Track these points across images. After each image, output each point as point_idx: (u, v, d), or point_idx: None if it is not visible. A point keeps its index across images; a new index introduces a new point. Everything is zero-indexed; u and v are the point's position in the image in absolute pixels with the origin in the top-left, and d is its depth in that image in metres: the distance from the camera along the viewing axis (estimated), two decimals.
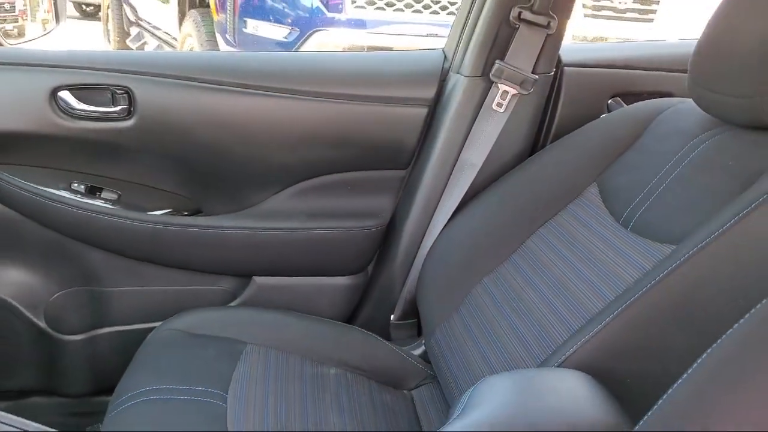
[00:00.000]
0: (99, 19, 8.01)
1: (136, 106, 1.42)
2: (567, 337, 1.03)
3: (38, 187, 1.45)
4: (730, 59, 1.05)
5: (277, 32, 4.40)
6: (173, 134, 1.46)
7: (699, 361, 0.66)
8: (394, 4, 4.44)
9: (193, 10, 4.92)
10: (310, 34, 4.35)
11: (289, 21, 4.38)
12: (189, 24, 4.89)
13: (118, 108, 1.42)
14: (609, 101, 1.55)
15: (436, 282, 1.44)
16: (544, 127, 1.55)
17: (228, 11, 4.42)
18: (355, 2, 4.37)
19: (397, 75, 1.54)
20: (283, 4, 4.39)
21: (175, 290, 1.58)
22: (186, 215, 1.56)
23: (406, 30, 4.41)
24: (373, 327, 1.56)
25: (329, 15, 4.34)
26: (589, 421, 0.77)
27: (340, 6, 4.37)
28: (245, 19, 4.39)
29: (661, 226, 1.09)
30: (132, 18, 6.76)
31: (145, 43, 6.33)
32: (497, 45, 1.44)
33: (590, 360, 0.94)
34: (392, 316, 1.59)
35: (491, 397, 0.84)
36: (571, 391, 0.84)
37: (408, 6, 4.43)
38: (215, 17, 4.55)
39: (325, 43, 4.38)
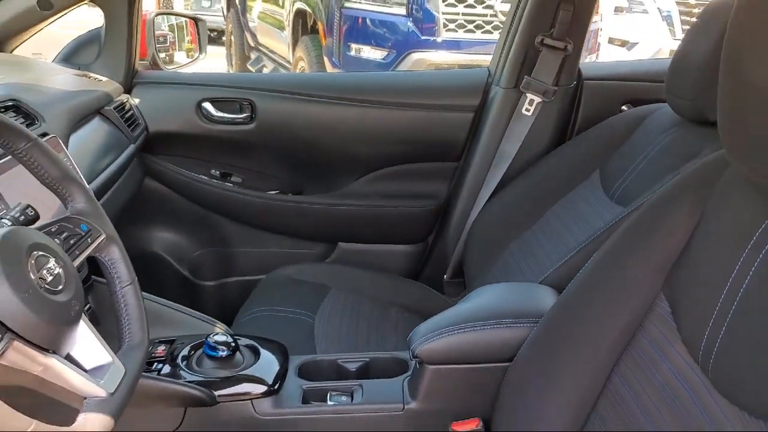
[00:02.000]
0: (222, 44, 8.86)
1: (257, 114, 1.95)
2: (550, 267, 1.44)
3: (187, 171, 2.01)
4: (686, 72, 1.44)
5: (377, 54, 4.94)
6: (283, 135, 1.99)
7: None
8: (483, 27, 4.87)
9: (304, 36, 5.55)
10: (406, 55, 4.85)
11: (388, 44, 4.90)
12: (301, 48, 5.52)
13: (243, 115, 1.96)
14: (622, 107, 1.93)
15: (477, 249, 1.87)
16: (569, 127, 1.95)
17: (334, 37, 4.99)
18: (447, 26, 4.84)
19: (451, 88, 2.00)
20: (383, 29, 4.92)
21: (281, 252, 2.09)
22: (291, 195, 2.08)
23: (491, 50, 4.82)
24: (430, 284, 2.00)
25: (423, 37, 4.83)
26: (529, 311, 1.18)
27: (434, 29, 4.85)
28: (349, 43, 4.95)
29: (630, 195, 1.48)
30: (252, 43, 7.51)
31: (263, 66, 7.00)
32: (526, 64, 1.87)
33: (559, 279, 1.35)
34: (445, 276, 2.03)
35: (474, 295, 1.28)
36: (532, 294, 1.26)
37: (495, 28, 4.85)
38: (323, 42, 5.14)
39: (419, 62, 4.87)
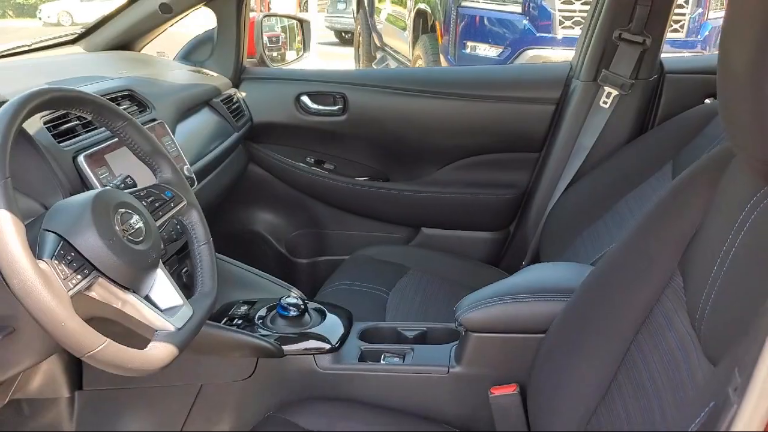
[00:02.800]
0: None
1: (348, 106, 2.12)
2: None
3: (286, 158, 2.20)
4: None
5: (492, 51, 5.00)
6: (372, 126, 2.14)
7: None
8: None
9: (423, 35, 5.70)
10: (521, 52, 4.89)
11: (503, 42, 4.96)
12: (419, 47, 5.68)
13: (336, 107, 2.13)
14: (705, 100, 1.92)
15: (552, 236, 1.94)
16: (649, 120, 1.97)
17: (450, 35, 5.10)
18: (563, 23, 4.83)
19: (534, 81, 2.07)
20: (498, 27, 4.98)
21: (368, 234, 2.25)
22: (379, 181, 2.23)
23: None
24: (510, 272, 2.09)
25: (539, 35, 4.85)
26: (566, 288, 1.25)
27: (550, 26, 4.85)
28: (465, 41, 5.05)
29: None
30: (378, 44, 7.77)
31: (387, 65, 7.22)
32: (604, 58, 1.91)
33: None
34: (523, 263, 2.10)
35: (523, 272, 1.37)
36: (574, 272, 1.32)
37: None
38: (440, 41, 5.27)
39: (534, 59, 4.88)
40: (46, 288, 0.83)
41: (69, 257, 0.91)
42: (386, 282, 1.86)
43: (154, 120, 1.55)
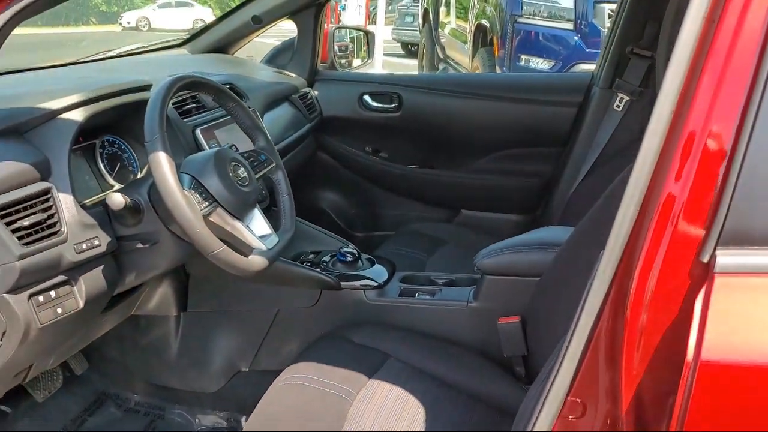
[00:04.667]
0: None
1: (403, 104, 2.53)
2: None
3: (348, 147, 2.63)
4: None
5: (545, 65, 5.35)
6: (422, 121, 2.54)
7: None
8: None
9: (481, 49, 6.08)
10: (572, 66, 5.22)
11: (556, 56, 5.30)
12: (477, 60, 6.06)
13: (392, 105, 2.54)
14: None
15: (571, 219, 2.30)
16: None
17: (506, 48, 5.47)
18: None
19: (560, 87, 2.44)
20: (552, 43, 5.33)
21: (415, 214, 2.65)
22: (426, 168, 2.63)
23: None
24: None
25: (588, 50, 5.17)
26: (561, 242, 1.61)
27: (599, 43, 5.17)
28: (519, 54, 5.41)
29: None
30: (441, 56, 8.18)
31: None
32: (619, 68, 2.27)
33: None
34: None
35: (532, 232, 1.74)
36: (567, 232, 1.69)
37: None
38: (496, 54, 5.64)
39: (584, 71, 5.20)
40: (188, 206, 1.26)
41: (199, 190, 1.34)
42: (426, 251, 2.24)
43: (249, 107, 1.98)
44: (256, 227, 1.47)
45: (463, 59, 6.94)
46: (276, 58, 2.64)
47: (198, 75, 1.47)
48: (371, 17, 12.24)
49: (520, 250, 1.67)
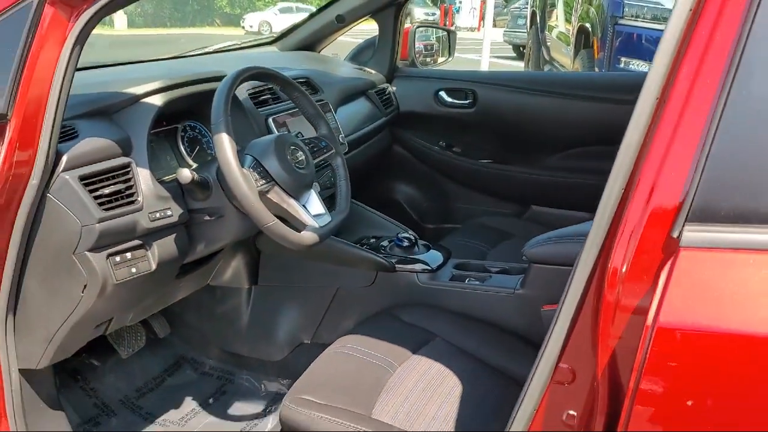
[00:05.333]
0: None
1: (477, 100, 2.61)
2: None
3: (422, 141, 2.74)
4: None
5: (645, 67, 5.23)
6: (496, 117, 2.62)
7: None
8: None
9: (582, 51, 6.02)
10: None
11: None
12: (578, 61, 6.00)
13: (467, 101, 2.63)
14: None
15: None
16: None
17: (606, 51, 5.40)
18: None
19: (633, 85, 2.44)
20: (653, 45, 5.20)
21: (485, 209, 2.72)
22: (498, 164, 2.70)
23: None
24: None
25: None
26: None
27: None
28: (619, 57, 5.32)
29: None
30: (546, 57, 8.13)
31: None
32: None
33: None
34: None
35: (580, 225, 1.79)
36: None
37: None
38: (596, 56, 5.57)
39: None
40: (245, 182, 1.41)
41: (259, 170, 1.49)
42: (491, 242, 2.31)
43: (321, 100, 2.14)
44: (312, 206, 1.61)
45: (566, 61, 6.87)
46: (358, 55, 2.78)
47: (264, 67, 1.62)
48: (485, 19, 12.28)
49: (564, 241, 1.72)
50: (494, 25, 16.83)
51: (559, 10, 7.53)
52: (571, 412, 1.02)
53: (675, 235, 0.85)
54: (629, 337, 0.87)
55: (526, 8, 12.51)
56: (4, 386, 1.44)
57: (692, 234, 0.84)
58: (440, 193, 2.82)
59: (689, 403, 0.82)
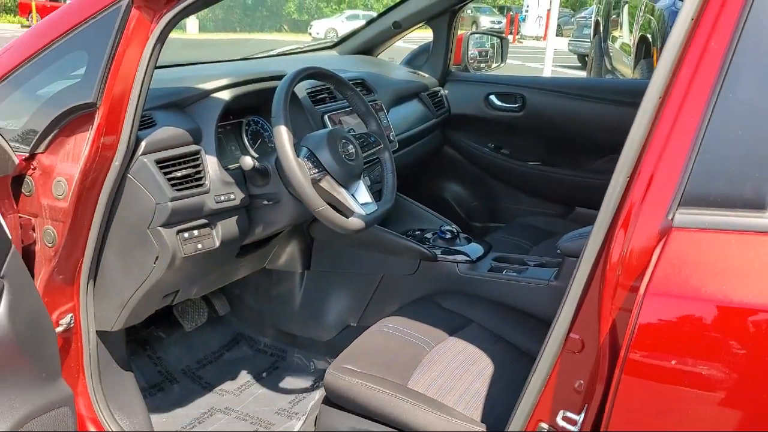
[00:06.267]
0: None
1: (526, 104, 2.72)
2: None
3: (472, 143, 2.86)
4: None
5: None
6: (543, 121, 2.72)
7: None
8: None
9: (642, 60, 6.01)
10: None
11: None
12: (638, 71, 6.00)
13: (516, 105, 2.74)
14: None
15: None
16: None
17: None
18: None
19: None
20: None
21: (531, 209, 2.82)
22: (545, 166, 2.80)
23: None
24: None
25: None
26: None
27: None
28: None
29: None
30: (609, 67, 8.11)
31: None
32: None
33: None
34: None
35: None
36: None
37: None
38: (655, 65, 5.56)
39: None
40: (300, 171, 1.57)
41: (312, 160, 1.64)
42: (533, 240, 2.42)
43: (375, 100, 2.29)
44: (360, 196, 1.75)
45: (626, 71, 6.86)
46: (413, 59, 2.93)
47: (320, 67, 1.78)
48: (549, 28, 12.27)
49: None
50: (561, 35, 16.75)
51: (624, 21, 7.51)
52: (581, 381, 1.14)
53: (670, 217, 0.96)
54: (627, 309, 0.99)
55: (592, 18, 12.50)
56: (83, 346, 1.63)
57: (683, 216, 0.95)
58: (488, 192, 2.94)
59: (673, 362, 0.93)
